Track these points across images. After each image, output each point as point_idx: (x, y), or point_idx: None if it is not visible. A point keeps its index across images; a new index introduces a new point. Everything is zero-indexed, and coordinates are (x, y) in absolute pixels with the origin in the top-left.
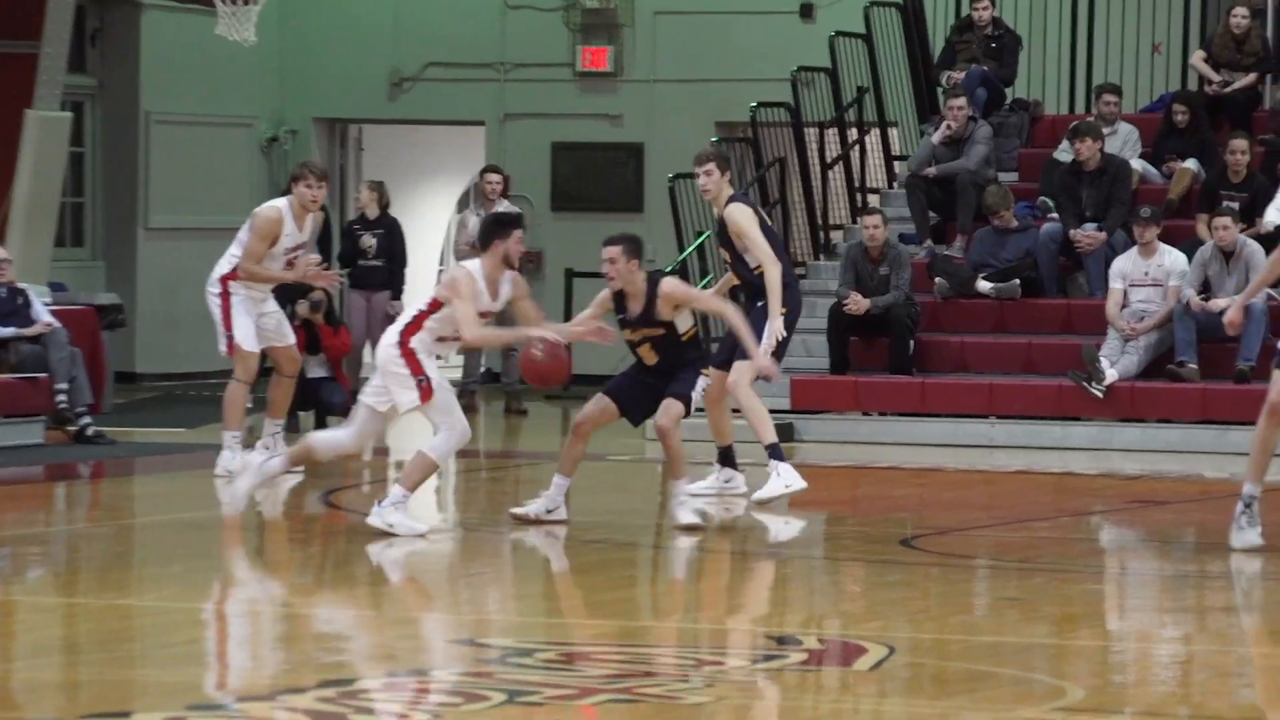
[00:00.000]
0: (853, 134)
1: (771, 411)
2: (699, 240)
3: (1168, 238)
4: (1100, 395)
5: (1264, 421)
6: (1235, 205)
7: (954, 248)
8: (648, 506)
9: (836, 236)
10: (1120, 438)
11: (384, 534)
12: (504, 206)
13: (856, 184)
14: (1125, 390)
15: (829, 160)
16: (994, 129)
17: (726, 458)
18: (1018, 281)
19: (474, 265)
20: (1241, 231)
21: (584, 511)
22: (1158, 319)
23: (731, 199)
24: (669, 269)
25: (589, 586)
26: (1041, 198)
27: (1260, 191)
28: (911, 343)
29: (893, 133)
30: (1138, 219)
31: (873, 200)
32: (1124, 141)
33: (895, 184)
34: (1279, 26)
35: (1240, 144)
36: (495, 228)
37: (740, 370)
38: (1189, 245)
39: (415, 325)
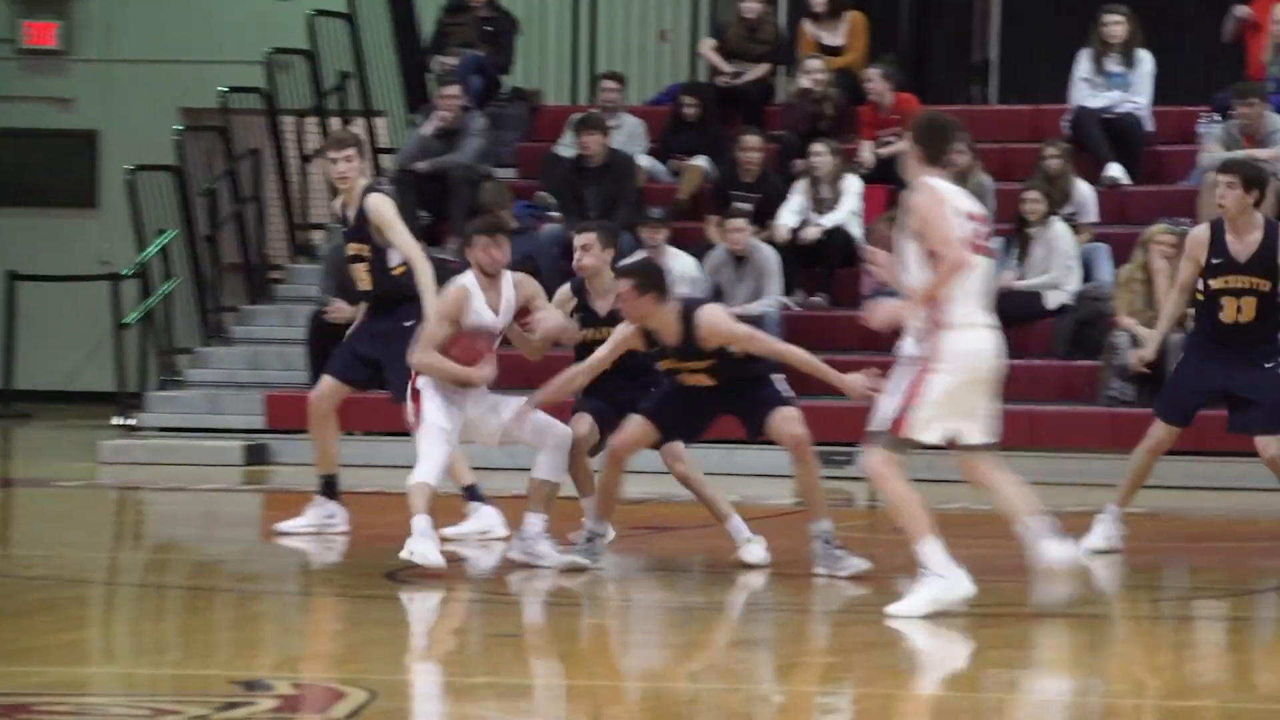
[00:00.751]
0: (335, 124)
1: (244, 431)
2: (162, 240)
3: (677, 241)
4: None
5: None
6: (748, 207)
7: (448, 250)
8: (98, 538)
9: (317, 237)
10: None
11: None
12: None
13: None
14: None
15: (308, 153)
16: (490, 120)
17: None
18: None
19: None
20: (754, 235)
21: (27, 544)
22: None
23: (370, 189)
24: (127, 271)
25: (31, 629)
26: (540, 193)
27: (774, 192)
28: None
29: (380, 123)
30: (645, 220)
31: None
32: (629, 135)
33: (383, 178)
34: (793, 14)
35: (753, 140)
36: None
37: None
38: (698, 248)
39: None
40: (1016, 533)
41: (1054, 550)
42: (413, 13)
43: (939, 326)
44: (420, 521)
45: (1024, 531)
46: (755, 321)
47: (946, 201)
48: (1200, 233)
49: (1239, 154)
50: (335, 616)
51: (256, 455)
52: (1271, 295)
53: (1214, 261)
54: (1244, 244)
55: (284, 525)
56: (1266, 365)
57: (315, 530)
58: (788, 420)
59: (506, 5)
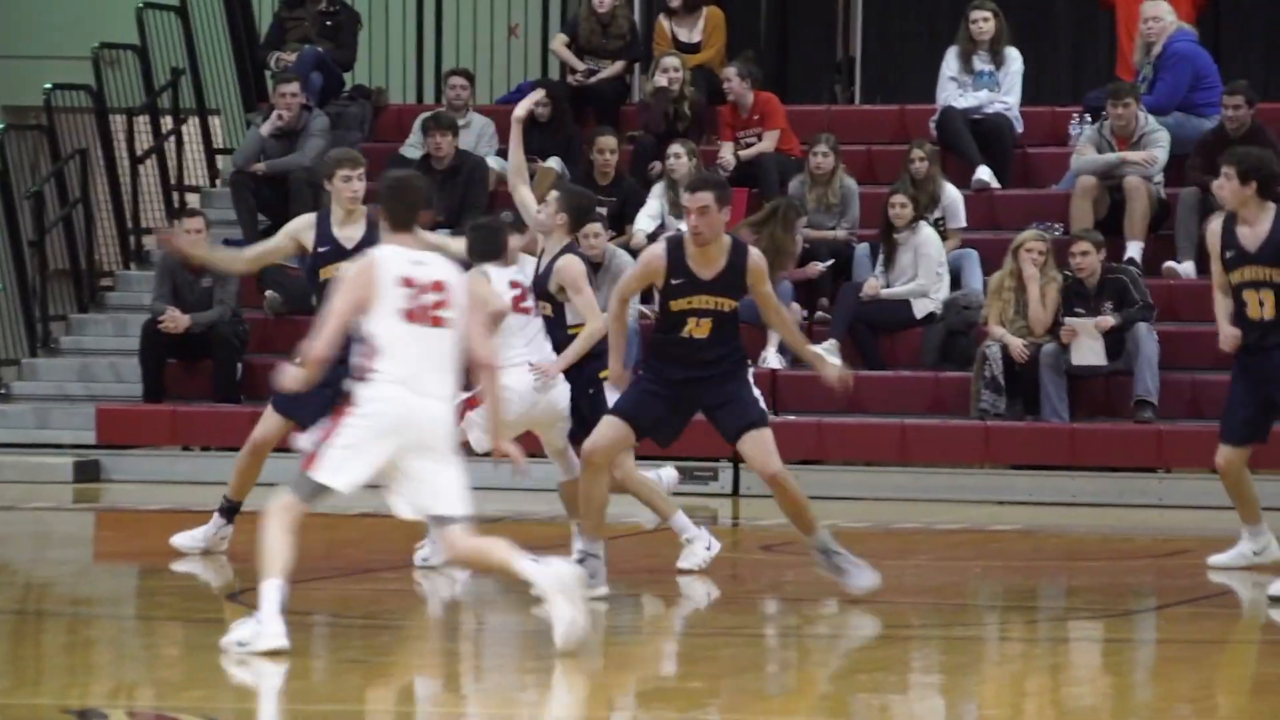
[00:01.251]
0: (168, 123)
1: (75, 447)
2: None
3: (529, 246)
4: None
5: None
6: (604, 211)
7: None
8: None
9: (149, 242)
10: (477, 476)
11: None
12: None
13: (173, 181)
14: None
15: (140, 153)
16: (332, 119)
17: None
18: None
19: None
20: (611, 240)
21: None
22: None
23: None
24: None
25: None
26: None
27: (631, 195)
28: (239, 366)
29: (215, 122)
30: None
31: (193, 200)
32: (478, 136)
33: (219, 181)
34: (648, 9)
35: (608, 141)
36: None
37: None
38: None
39: None
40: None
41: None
42: (249, 6)
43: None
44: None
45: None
46: None
47: (377, 270)
48: (1215, 225)
49: (1111, 156)
50: (173, 641)
51: (88, 472)
52: None
53: (1227, 255)
54: (1254, 234)
55: (179, 539)
56: None
57: (204, 549)
58: (762, 450)
59: None
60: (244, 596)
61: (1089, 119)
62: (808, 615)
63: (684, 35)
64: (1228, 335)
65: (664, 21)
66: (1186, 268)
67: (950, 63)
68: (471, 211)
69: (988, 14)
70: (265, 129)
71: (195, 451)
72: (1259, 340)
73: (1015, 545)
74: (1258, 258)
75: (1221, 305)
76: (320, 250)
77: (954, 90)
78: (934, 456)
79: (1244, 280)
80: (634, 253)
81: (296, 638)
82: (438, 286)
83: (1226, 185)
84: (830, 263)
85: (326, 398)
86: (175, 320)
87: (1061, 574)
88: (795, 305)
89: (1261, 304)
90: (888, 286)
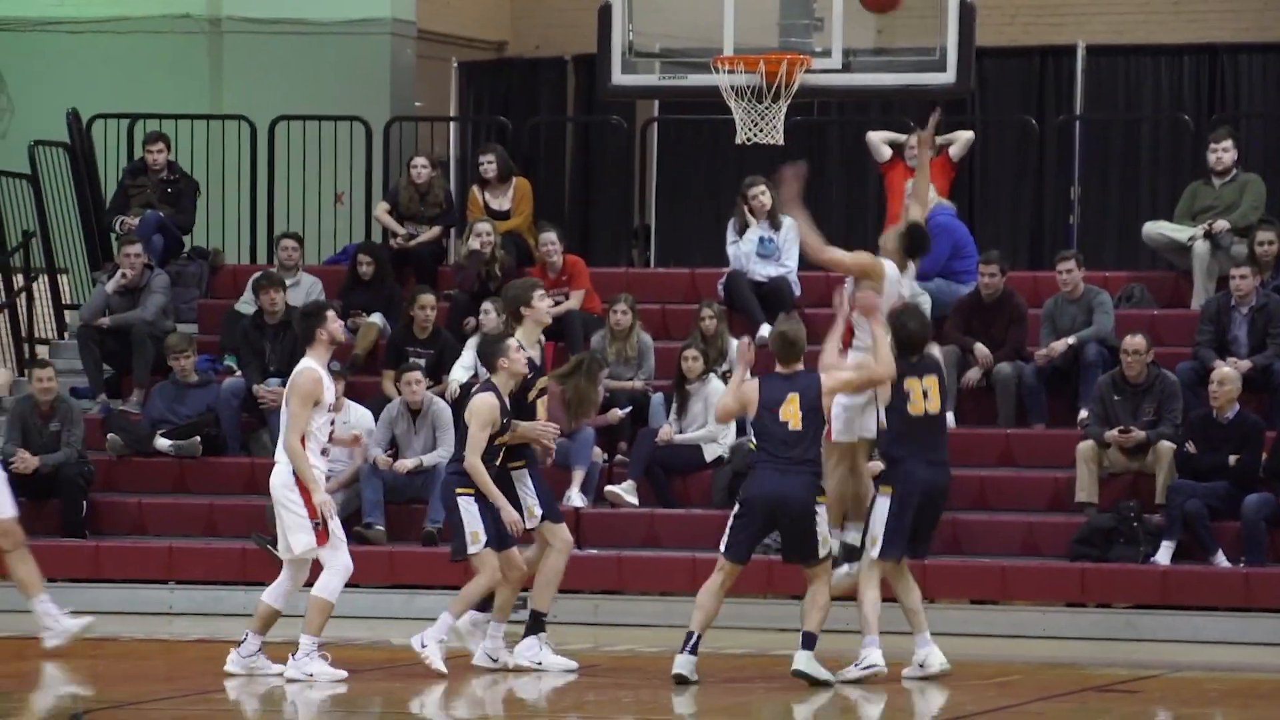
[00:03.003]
0: (19, 280)
1: None
2: None
3: (354, 393)
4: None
5: None
6: (422, 361)
7: (130, 402)
8: None
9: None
10: (307, 603)
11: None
12: None
13: (24, 334)
14: None
15: None
16: (172, 278)
17: None
18: (198, 439)
19: None
20: (429, 389)
21: None
22: (344, 478)
23: None
24: None
25: None
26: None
27: (447, 348)
28: (85, 504)
29: (63, 280)
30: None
31: (42, 352)
32: (307, 293)
33: (67, 334)
34: (461, 180)
35: (427, 299)
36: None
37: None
38: (375, 402)
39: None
40: None
41: None
42: (95, 174)
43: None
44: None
45: None
46: (428, 473)
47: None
48: None
49: None
50: None
51: None
52: None
53: None
54: None
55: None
56: None
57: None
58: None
59: (186, 168)
60: (87, 717)
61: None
62: None
63: (495, 203)
64: None
65: (477, 191)
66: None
67: (731, 233)
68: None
69: (763, 187)
70: (110, 286)
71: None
72: None
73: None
74: None
75: None
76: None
77: (740, 256)
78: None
79: None
80: (448, 401)
81: None
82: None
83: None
84: (628, 410)
85: None
86: (25, 462)
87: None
88: (596, 449)
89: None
90: (680, 432)
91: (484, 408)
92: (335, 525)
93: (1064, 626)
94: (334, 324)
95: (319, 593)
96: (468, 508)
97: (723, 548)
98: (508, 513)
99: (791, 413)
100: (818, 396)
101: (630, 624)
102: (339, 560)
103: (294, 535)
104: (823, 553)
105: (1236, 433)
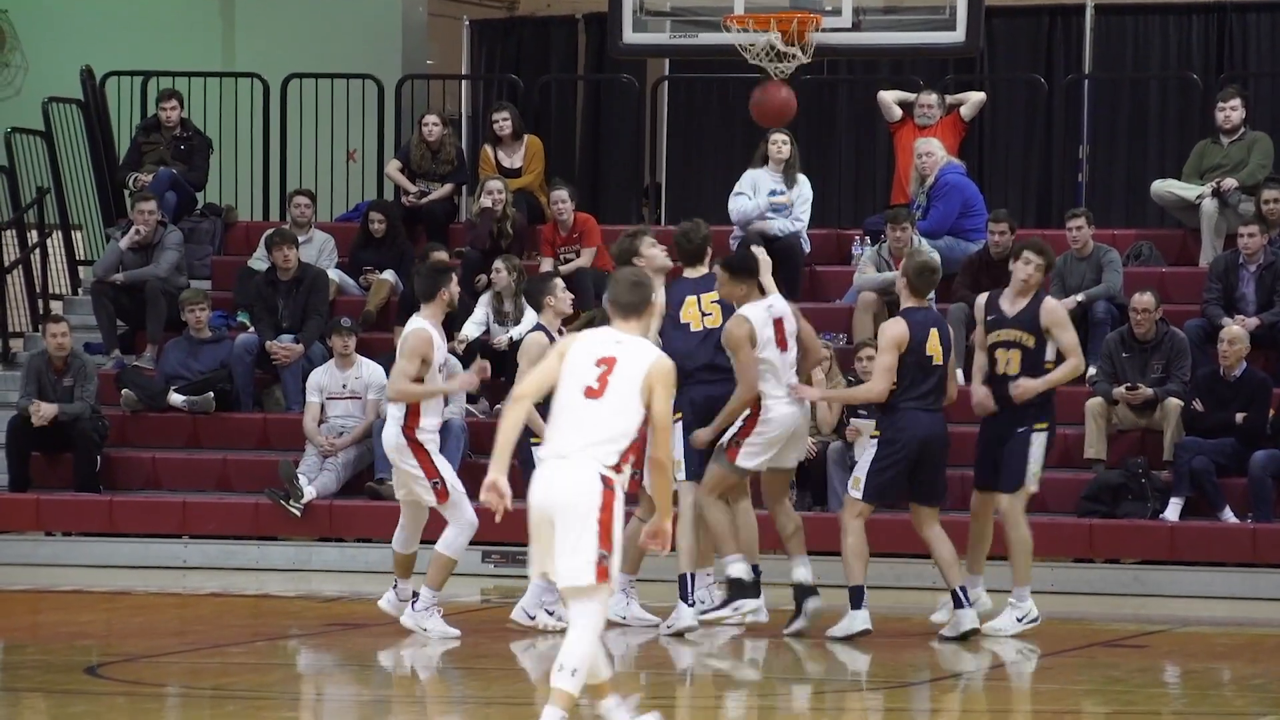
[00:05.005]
0: (33, 236)
1: None
2: None
3: (367, 350)
4: (298, 514)
5: None
6: None
7: (144, 358)
8: None
9: (17, 345)
10: (319, 558)
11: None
12: None
13: (38, 289)
14: (324, 508)
15: (8, 264)
16: (186, 234)
17: None
18: (212, 395)
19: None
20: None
21: None
22: (357, 434)
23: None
24: None
25: None
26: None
27: (459, 305)
28: (99, 458)
29: (77, 236)
30: (337, 330)
31: (57, 307)
32: (320, 250)
33: (81, 290)
34: (473, 137)
35: (441, 258)
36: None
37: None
38: (387, 359)
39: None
40: None
41: None
42: (109, 131)
43: None
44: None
45: None
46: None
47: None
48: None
49: (889, 274)
50: (35, 711)
51: None
52: None
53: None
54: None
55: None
56: None
57: None
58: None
59: (199, 125)
60: (102, 669)
61: (869, 241)
62: None
63: (507, 161)
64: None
65: (488, 149)
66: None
67: (745, 186)
68: (313, 317)
69: (786, 138)
70: (124, 243)
71: (58, 536)
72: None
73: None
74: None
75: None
76: None
77: (750, 208)
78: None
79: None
80: (458, 357)
81: (147, 708)
82: None
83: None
84: None
85: None
86: (41, 411)
87: (842, 649)
88: None
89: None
90: None
91: (535, 345)
92: (454, 481)
93: (1073, 582)
94: (455, 286)
95: (442, 549)
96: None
97: (862, 491)
98: None
99: (934, 347)
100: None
101: None
102: (463, 517)
103: (418, 486)
104: None
105: (1244, 390)
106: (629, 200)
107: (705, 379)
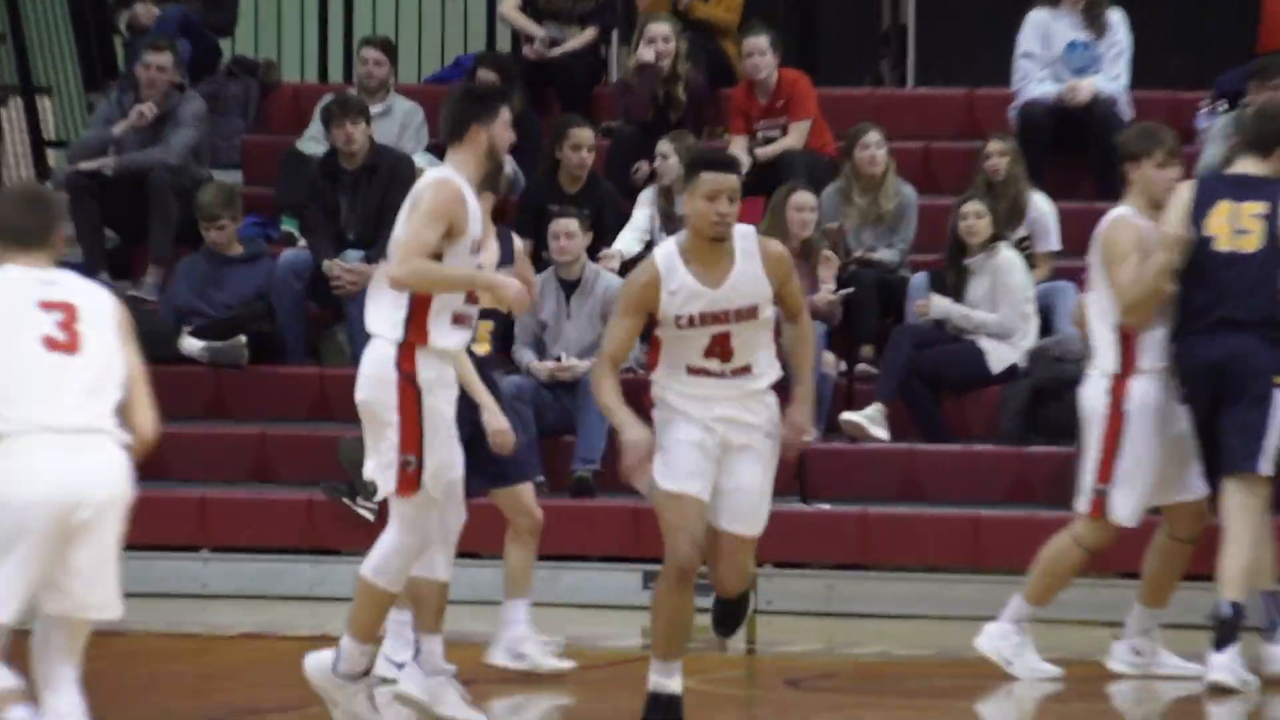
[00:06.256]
0: None
1: None
2: None
3: None
4: (371, 517)
5: None
6: (574, 222)
7: (145, 285)
8: None
9: None
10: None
11: None
12: None
13: None
14: None
15: None
16: (206, 102)
17: None
18: (243, 339)
19: None
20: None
21: None
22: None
23: None
24: None
25: None
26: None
27: (607, 204)
28: None
29: (45, 103)
30: None
31: None
32: (402, 126)
33: (49, 182)
34: None
35: (581, 135)
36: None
37: None
38: None
39: None
40: None
41: None
42: None
43: None
44: None
45: None
46: (573, 386)
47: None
48: None
49: None
50: None
51: None
52: None
53: None
54: None
55: None
56: None
57: None
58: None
59: None
60: None
61: (1224, 106)
62: None
63: None
64: None
65: None
66: None
67: (1031, 32)
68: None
69: None
70: (118, 128)
71: None
72: None
73: None
74: None
75: None
76: None
77: (1039, 69)
78: (1019, 559)
79: None
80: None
81: None
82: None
83: None
84: (849, 290)
85: None
86: None
87: None
88: (827, 356)
89: None
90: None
91: None
92: (445, 468)
93: None
94: (505, 128)
95: (371, 574)
96: None
97: None
98: None
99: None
100: None
101: (877, 614)
102: (416, 529)
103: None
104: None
105: None
106: (860, 52)
107: None
